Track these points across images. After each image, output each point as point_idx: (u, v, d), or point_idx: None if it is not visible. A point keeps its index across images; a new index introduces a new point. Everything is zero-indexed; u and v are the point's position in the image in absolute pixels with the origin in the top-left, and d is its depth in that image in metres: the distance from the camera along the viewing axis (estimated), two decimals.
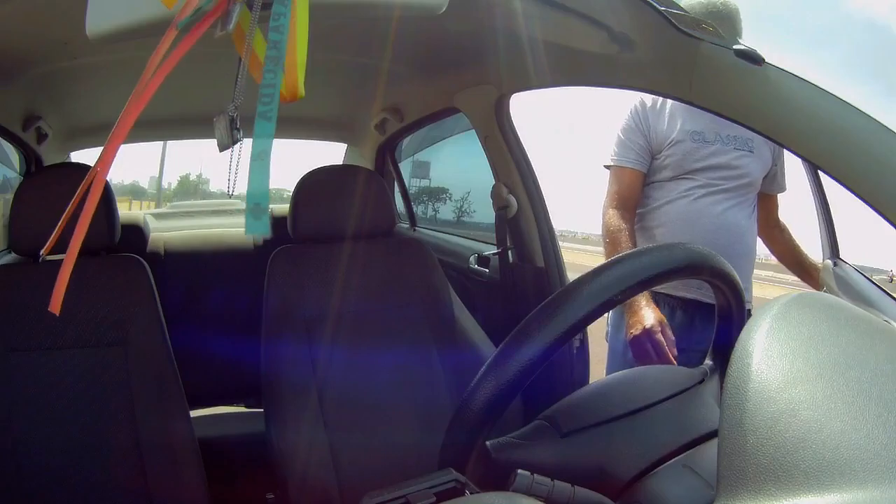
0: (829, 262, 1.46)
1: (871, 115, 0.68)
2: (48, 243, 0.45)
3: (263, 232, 0.40)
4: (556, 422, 0.51)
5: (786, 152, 1.33)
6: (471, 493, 0.39)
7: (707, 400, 0.55)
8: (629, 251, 0.52)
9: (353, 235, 1.23)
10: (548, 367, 0.47)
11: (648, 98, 1.35)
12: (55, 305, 0.43)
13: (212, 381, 1.56)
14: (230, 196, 0.43)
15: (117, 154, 0.44)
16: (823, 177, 1.39)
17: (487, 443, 0.48)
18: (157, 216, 2.61)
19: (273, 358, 1.16)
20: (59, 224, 0.45)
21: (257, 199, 0.39)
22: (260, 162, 0.39)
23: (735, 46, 0.75)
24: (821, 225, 1.52)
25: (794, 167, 1.47)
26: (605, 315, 1.27)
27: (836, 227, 1.51)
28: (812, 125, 0.71)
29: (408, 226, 2.12)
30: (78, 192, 0.44)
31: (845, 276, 1.34)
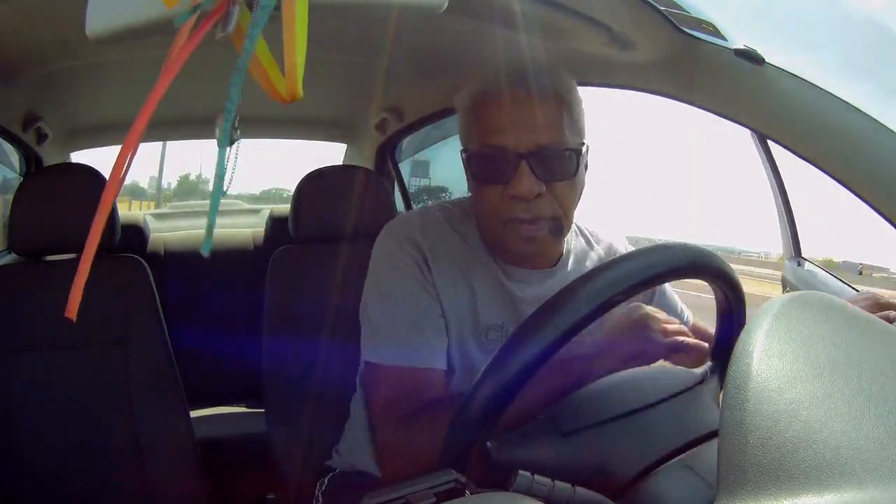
0: (790, 261, 1.43)
1: (871, 114, 0.68)
2: (87, 248, 0.45)
3: (206, 251, 0.41)
4: (557, 421, 0.51)
5: None
6: (471, 494, 0.39)
7: (707, 400, 0.55)
8: (629, 251, 0.52)
9: (354, 236, 1.23)
10: None
11: None
12: (72, 310, 0.43)
13: (212, 381, 1.56)
14: (225, 193, 0.43)
15: (132, 158, 0.44)
16: (784, 174, 1.37)
17: (488, 442, 0.48)
18: (157, 216, 2.61)
19: (273, 358, 1.16)
20: (95, 229, 0.45)
21: (211, 221, 0.42)
22: (217, 189, 0.41)
23: (735, 46, 0.75)
24: (782, 223, 1.48)
25: (753, 164, 1.42)
26: None
27: (797, 224, 1.46)
28: (812, 125, 0.71)
29: None
30: (103, 199, 0.44)
31: (808, 274, 1.32)
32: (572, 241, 0.88)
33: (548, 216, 0.73)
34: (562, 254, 0.85)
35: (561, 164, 0.73)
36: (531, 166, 0.71)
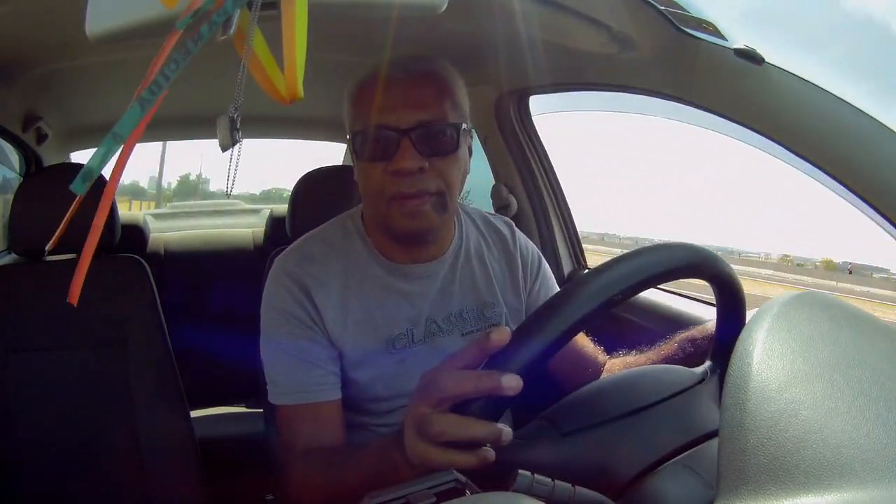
0: (580, 272, 1.40)
1: (871, 114, 0.68)
2: (53, 239, 0.46)
3: (80, 191, 0.42)
4: (557, 421, 0.51)
5: None
6: (471, 493, 0.39)
7: (707, 400, 0.55)
8: (630, 251, 0.52)
9: None
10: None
11: None
12: (73, 297, 0.44)
13: (212, 381, 1.56)
14: (228, 195, 0.43)
15: (129, 158, 0.44)
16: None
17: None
18: (158, 216, 2.61)
19: None
20: (63, 223, 0.45)
21: (92, 165, 0.41)
22: (114, 138, 0.40)
23: (735, 46, 0.75)
24: (560, 232, 1.44)
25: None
26: None
27: (578, 233, 1.44)
28: (812, 125, 0.71)
29: None
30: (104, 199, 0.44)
31: None
32: (465, 227, 0.89)
33: (431, 190, 0.75)
34: (453, 239, 0.86)
35: (442, 140, 0.75)
36: (413, 142, 0.73)
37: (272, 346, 0.80)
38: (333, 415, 0.78)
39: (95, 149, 0.42)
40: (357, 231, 0.85)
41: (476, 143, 1.48)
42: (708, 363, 0.61)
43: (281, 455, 0.79)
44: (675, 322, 1.07)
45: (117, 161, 0.43)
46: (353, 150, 0.79)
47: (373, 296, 0.81)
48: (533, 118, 1.43)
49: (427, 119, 0.74)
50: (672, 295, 1.17)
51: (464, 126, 0.78)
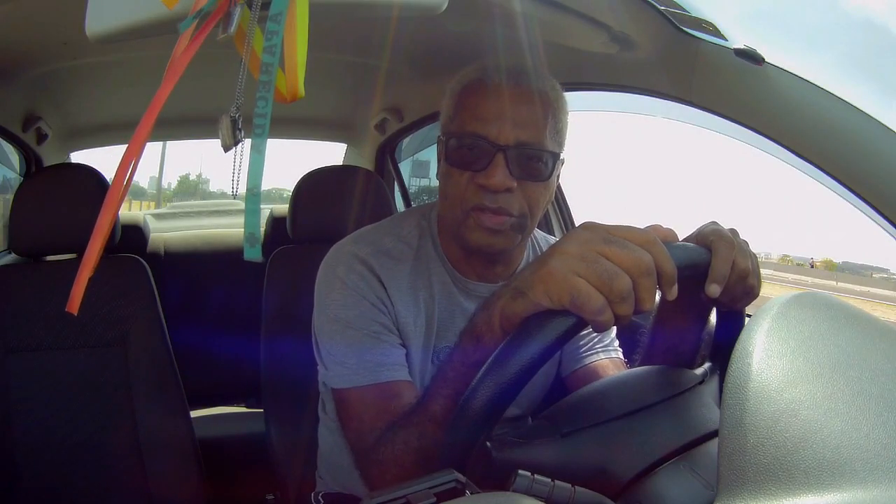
0: None
1: (871, 114, 0.68)
2: (91, 251, 0.45)
3: (258, 258, 0.41)
4: (557, 422, 0.51)
5: None
6: (471, 494, 0.39)
7: (707, 400, 0.55)
8: None
9: None
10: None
11: None
12: (73, 306, 0.44)
13: (212, 381, 1.56)
14: (234, 197, 0.43)
15: (137, 162, 0.44)
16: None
17: (488, 442, 0.48)
18: (157, 216, 2.61)
19: (273, 358, 1.16)
20: (98, 233, 0.45)
21: (251, 228, 0.40)
22: (253, 195, 0.40)
23: (735, 46, 0.75)
24: (561, 233, 1.45)
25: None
26: None
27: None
28: (812, 125, 0.71)
29: None
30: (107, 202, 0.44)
31: None
32: (537, 251, 0.87)
33: (514, 213, 0.73)
34: (521, 263, 0.83)
35: (536, 165, 0.72)
36: (507, 160, 0.71)
37: (340, 327, 0.75)
38: (411, 397, 0.70)
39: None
40: (431, 234, 0.83)
41: None
42: (708, 363, 0.61)
43: (353, 446, 0.73)
44: None
45: (119, 166, 0.43)
46: (443, 150, 0.76)
47: (434, 303, 0.80)
48: None
49: (527, 140, 0.71)
50: None
51: (561, 156, 0.75)
